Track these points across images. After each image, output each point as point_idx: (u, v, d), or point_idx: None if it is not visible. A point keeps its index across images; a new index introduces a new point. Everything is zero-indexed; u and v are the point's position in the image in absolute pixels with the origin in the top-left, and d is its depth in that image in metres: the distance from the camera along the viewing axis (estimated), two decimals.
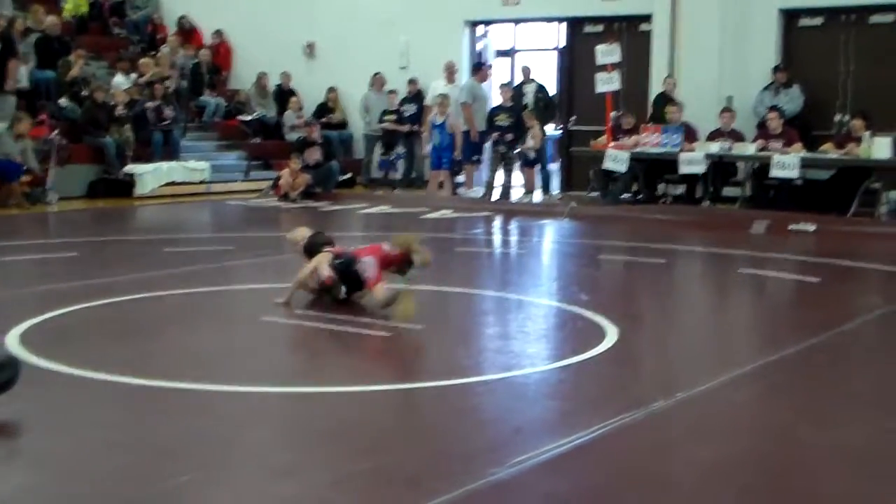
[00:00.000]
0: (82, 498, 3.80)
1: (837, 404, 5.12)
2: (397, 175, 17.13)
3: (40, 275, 7.80)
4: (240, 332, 6.91)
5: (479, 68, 16.32)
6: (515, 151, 15.05)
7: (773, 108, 13.97)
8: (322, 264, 7.10)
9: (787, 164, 12.62)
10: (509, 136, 14.85)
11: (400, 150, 17.15)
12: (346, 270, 7.07)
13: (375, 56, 17.85)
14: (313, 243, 7.42)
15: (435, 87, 16.23)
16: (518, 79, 16.94)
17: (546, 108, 16.25)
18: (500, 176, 15.33)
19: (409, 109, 16.98)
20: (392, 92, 17.25)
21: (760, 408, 5.04)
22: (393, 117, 16.88)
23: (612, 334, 6.30)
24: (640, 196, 14.67)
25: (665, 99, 14.80)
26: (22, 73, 15.65)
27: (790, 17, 15.20)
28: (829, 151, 12.96)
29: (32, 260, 8.38)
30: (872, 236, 11.41)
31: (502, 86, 15.89)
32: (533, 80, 16.39)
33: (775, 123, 13.55)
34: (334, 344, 6.36)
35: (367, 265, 6.98)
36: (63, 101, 15.98)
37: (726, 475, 4.08)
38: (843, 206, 12.62)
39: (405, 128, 16.82)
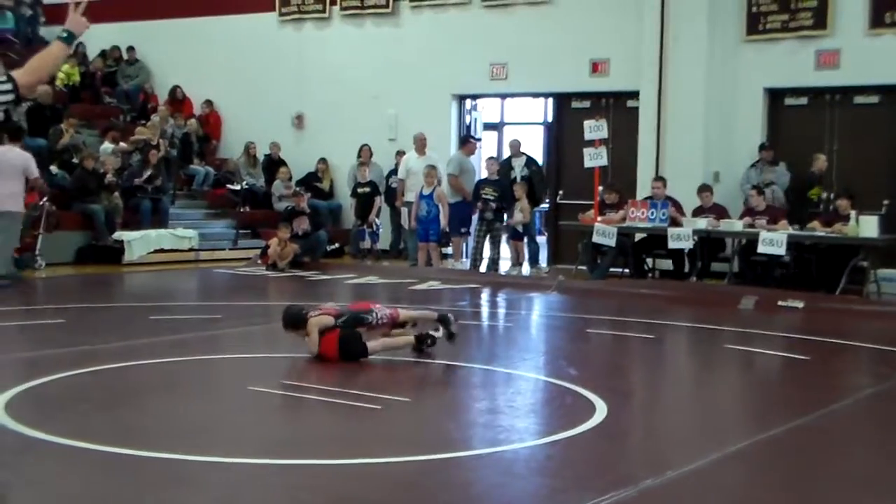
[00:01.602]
0: None
1: (828, 485, 5.08)
2: (377, 245, 17.12)
3: (27, 341, 7.75)
4: (226, 401, 6.86)
5: (467, 141, 16.44)
6: (504, 224, 15.10)
7: (755, 186, 14.11)
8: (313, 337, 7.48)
9: (774, 240, 12.70)
10: (493, 206, 14.91)
11: (377, 220, 17.12)
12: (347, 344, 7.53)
13: (364, 128, 18.00)
14: (286, 318, 7.67)
15: (406, 159, 16.31)
16: (507, 152, 17.06)
17: (540, 181, 16.28)
18: (487, 248, 15.36)
19: (396, 181, 17.04)
20: (363, 164, 17.29)
21: (751, 487, 4.99)
22: (367, 189, 16.91)
23: (601, 409, 6.27)
24: (628, 270, 14.72)
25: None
26: None
27: (775, 96, 15.42)
28: (817, 229, 13.05)
29: (19, 326, 8.32)
30: (861, 314, 11.44)
31: (489, 159, 16.00)
32: (523, 154, 16.47)
33: (756, 201, 13.69)
34: (321, 415, 6.31)
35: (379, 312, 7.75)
36: (53, 169, 16.02)
37: None
38: (831, 285, 12.67)
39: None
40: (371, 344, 7.69)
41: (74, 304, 11.16)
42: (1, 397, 6.15)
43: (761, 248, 12.82)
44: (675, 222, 13.85)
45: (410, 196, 15.84)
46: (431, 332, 7.93)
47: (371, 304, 8.01)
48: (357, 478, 4.91)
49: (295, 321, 7.66)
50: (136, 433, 5.61)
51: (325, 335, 7.55)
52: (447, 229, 15.31)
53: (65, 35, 5.30)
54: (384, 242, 17.48)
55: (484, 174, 15.69)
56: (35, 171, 12.94)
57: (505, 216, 15.14)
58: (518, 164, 16.17)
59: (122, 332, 9.16)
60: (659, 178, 14.58)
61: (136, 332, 9.11)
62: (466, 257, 16.44)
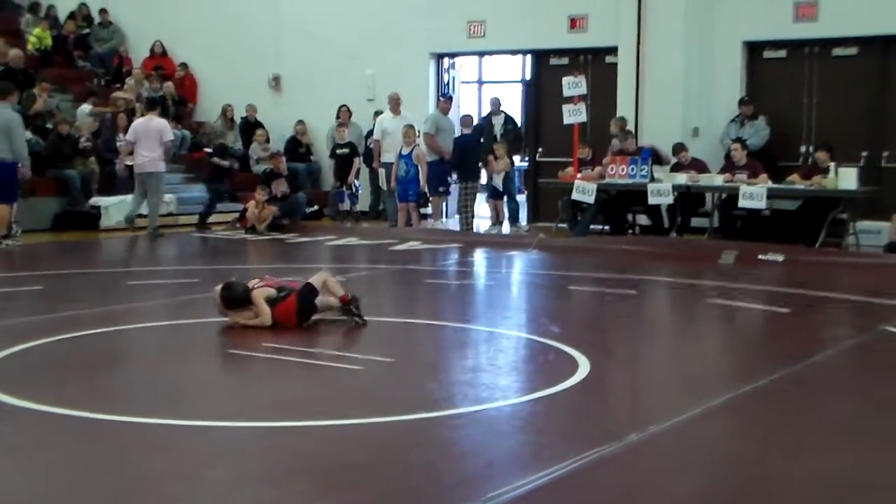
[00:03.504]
0: None
1: (810, 435, 5.10)
2: (357, 207, 17.02)
3: (5, 309, 7.69)
4: (206, 365, 6.83)
5: (441, 100, 16.35)
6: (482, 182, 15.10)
7: (737, 139, 14.08)
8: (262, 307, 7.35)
9: (754, 194, 12.70)
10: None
11: (356, 182, 17.02)
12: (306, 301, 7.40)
13: (342, 88, 17.85)
14: (233, 297, 7.43)
15: (381, 119, 16.19)
16: (486, 110, 16.98)
17: (514, 139, 16.31)
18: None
19: (373, 142, 16.90)
20: (342, 125, 17.15)
21: (734, 440, 5.01)
22: (346, 150, 16.78)
23: (583, 366, 6.27)
24: (609, 227, 14.71)
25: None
26: None
27: (754, 49, 15.37)
28: (796, 182, 13.05)
29: None
30: (841, 266, 11.47)
31: (464, 117, 15.96)
32: (502, 112, 16.43)
33: (739, 155, 13.66)
34: (303, 377, 6.29)
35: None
36: (27, 134, 15.80)
37: None
38: (811, 237, 12.70)
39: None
40: (316, 277, 7.62)
41: (52, 270, 11.06)
42: None
43: (742, 203, 12.83)
44: (660, 160, 13.83)
45: (387, 157, 15.74)
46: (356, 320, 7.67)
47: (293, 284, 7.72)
48: (339, 439, 4.88)
49: (239, 299, 7.40)
50: (116, 399, 5.59)
51: (279, 304, 7.41)
52: (426, 189, 15.24)
53: None
54: (363, 204, 17.39)
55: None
56: (169, 136, 14.69)
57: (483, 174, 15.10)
58: (497, 121, 16.15)
59: (101, 298, 9.10)
60: (626, 132, 14.57)
61: (115, 297, 9.07)
62: (446, 216, 16.41)
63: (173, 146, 15.34)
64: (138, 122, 14.94)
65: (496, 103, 16.52)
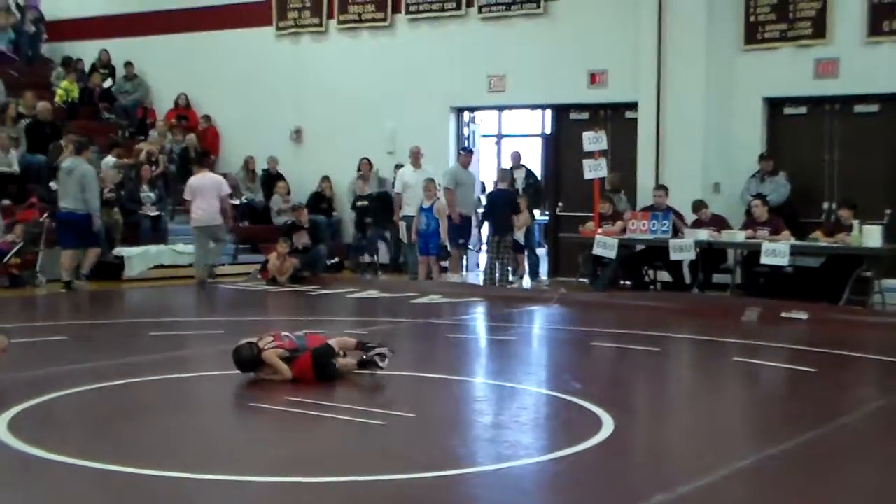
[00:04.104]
0: None
1: (837, 500, 5.02)
2: (376, 259, 17.09)
3: (28, 359, 7.71)
4: (229, 418, 6.83)
5: (461, 154, 16.41)
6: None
7: (758, 196, 14.06)
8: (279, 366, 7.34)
9: (777, 251, 12.65)
10: None
11: (371, 234, 17.13)
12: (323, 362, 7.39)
13: (363, 141, 17.97)
14: (242, 361, 7.41)
15: (402, 172, 16.28)
16: (506, 164, 17.06)
17: (535, 193, 16.35)
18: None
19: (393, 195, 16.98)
20: (362, 177, 17.30)
21: (760, 502, 4.94)
22: (365, 203, 16.89)
23: (607, 424, 6.21)
24: (630, 283, 14.67)
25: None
26: (13, 157, 15.70)
27: (774, 105, 15.40)
28: (820, 240, 13.00)
29: (21, 344, 8.28)
30: (866, 325, 11.39)
31: (501, 171, 15.97)
32: (523, 166, 16.49)
33: (759, 211, 13.64)
34: (324, 432, 6.25)
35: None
36: (53, 185, 15.96)
37: None
38: (835, 295, 12.62)
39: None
40: (336, 340, 7.64)
41: (75, 320, 11.12)
42: (4, 416, 6.11)
43: (764, 259, 12.77)
44: (677, 232, 13.80)
45: (408, 210, 15.81)
46: (376, 360, 7.68)
47: (325, 339, 7.68)
48: (361, 496, 4.85)
49: (250, 363, 7.38)
50: (138, 451, 5.57)
51: (294, 361, 7.38)
52: (446, 243, 15.27)
53: None
54: (383, 257, 17.44)
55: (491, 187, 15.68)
56: (226, 190, 15.39)
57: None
58: (519, 175, 16.20)
59: (124, 348, 9.11)
60: (661, 187, 14.56)
61: (138, 348, 9.07)
62: (466, 270, 16.42)
63: (230, 199, 15.93)
64: (193, 178, 15.35)
65: (517, 157, 16.59)
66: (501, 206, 15.02)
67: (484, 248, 17.01)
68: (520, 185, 16.12)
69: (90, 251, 14.20)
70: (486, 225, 15.71)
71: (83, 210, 13.85)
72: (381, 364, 7.64)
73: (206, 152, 16.85)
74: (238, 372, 7.49)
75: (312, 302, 13.47)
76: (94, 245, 14.26)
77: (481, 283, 15.15)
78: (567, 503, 4.82)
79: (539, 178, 17.01)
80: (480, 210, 16.45)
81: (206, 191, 14.99)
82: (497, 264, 14.91)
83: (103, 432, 6.10)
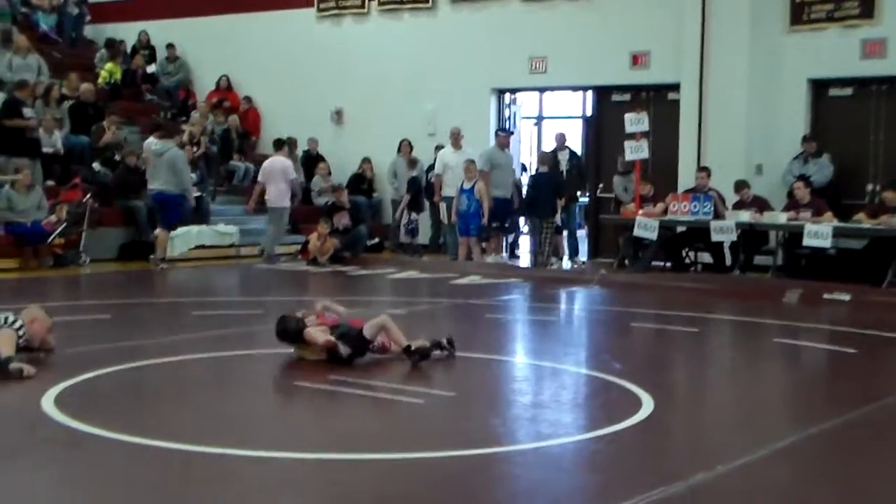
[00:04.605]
0: None
1: (881, 480, 4.99)
2: (419, 240, 17.14)
3: (74, 337, 7.82)
4: (271, 396, 6.90)
5: (498, 135, 16.35)
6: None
7: (801, 177, 13.92)
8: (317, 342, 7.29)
9: (819, 233, 12.53)
10: None
11: (413, 216, 17.21)
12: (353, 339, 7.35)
13: (403, 122, 17.99)
14: (284, 330, 7.46)
15: (442, 154, 16.29)
16: (546, 146, 17.01)
17: (578, 175, 16.27)
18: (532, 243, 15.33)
19: (434, 177, 17.00)
20: (411, 160, 17.40)
21: (802, 483, 4.93)
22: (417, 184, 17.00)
23: (647, 404, 6.21)
24: (670, 264, 14.60)
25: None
26: (57, 138, 15.90)
27: (819, 86, 15.21)
28: (863, 221, 12.86)
29: (66, 322, 8.41)
30: None
31: (542, 154, 15.94)
32: (567, 147, 16.40)
33: (801, 193, 13.50)
34: (365, 410, 6.30)
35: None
36: (96, 166, 16.18)
37: None
38: (878, 277, 12.47)
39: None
40: (371, 322, 7.48)
41: (119, 299, 11.25)
42: (50, 392, 6.21)
43: (807, 241, 12.64)
44: (717, 214, 13.71)
45: (448, 191, 15.83)
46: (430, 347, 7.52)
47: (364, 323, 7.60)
48: (400, 473, 4.89)
49: (292, 334, 7.41)
50: (180, 427, 5.65)
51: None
52: (487, 223, 15.26)
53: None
54: (424, 237, 17.48)
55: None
56: (293, 174, 16.05)
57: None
58: (563, 157, 16.13)
59: (167, 327, 9.22)
60: (703, 168, 14.45)
61: (180, 327, 9.18)
62: (505, 252, 16.41)
63: (299, 183, 16.56)
64: (267, 161, 16.23)
65: (561, 139, 16.51)
66: (546, 188, 15.00)
67: (525, 230, 17.01)
68: (563, 166, 16.07)
69: (160, 233, 14.73)
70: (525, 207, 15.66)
71: (174, 190, 14.52)
72: (446, 348, 7.57)
73: (283, 140, 16.92)
74: (279, 351, 7.55)
75: (352, 282, 13.54)
76: (171, 225, 14.83)
77: (527, 265, 15.13)
78: (606, 481, 4.83)
79: (581, 158, 16.94)
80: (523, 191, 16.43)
81: (275, 174, 15.69)
82: (541, 246, 14.92)
83: (147, 409, 6.19)
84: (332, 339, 7.28)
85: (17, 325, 7.01)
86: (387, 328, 7.52)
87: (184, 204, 14.84)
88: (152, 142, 15.04)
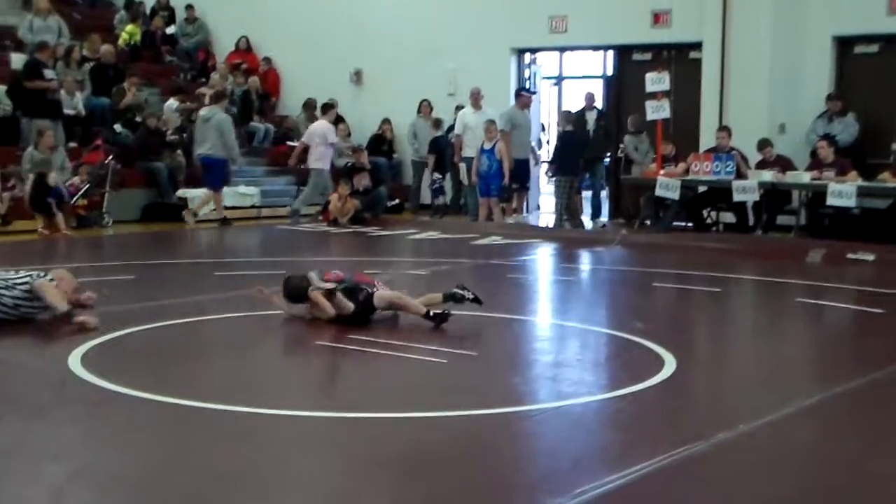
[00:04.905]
0: None
1: None
2: (446, 200, 17.13)
3: (99, 297, 7.87)
4: (293, 355, 6.94)
5: (519, 95, 16.24)
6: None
7: (825, 136, 13.80)
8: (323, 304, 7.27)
9: (843, 192, 12.43)
10: None
11: (437, 176, 17.19)
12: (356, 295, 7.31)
13: (423, 83, 17.90)
14: (289, 288, 7.46)
15: (462, 114, 16.22)
16: (567, 106, 16.89)
17: (606, 135, 16.13)
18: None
19: (454, 137, 16.94)
20: (436, 121, 17.34)
21: (827, 441, 4.92)
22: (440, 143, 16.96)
23: (669, 363, 6.20)
24: (691, 224, 14.54)
25: None
26: (79, 100, 15.93)
27: (844, 44, 15.03)
28: (888, 181, 12.75)
29: (90, 283, 8.46)
30: None
31: (564, 113, 15.83)
32: (595, 108, 16.26)
33: (825, 153, 13.38)
34: (387, 369, 6.32)
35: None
36: (117, 127, 16.22)
37: None
38: None
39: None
40: (381, 293, 7.45)
41: (143, 260, 11.31)
42: (77, 351, 6.27)
43: (830, 201, 12.56)
44: (740, 174, 13.61)
45: (468, 151, 15.78)
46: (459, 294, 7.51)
47: (376, 282, 7.61)
48: (423, 432, 4.91)
49: (296, 291, 7.42)
50: (204, 386, 5.71)
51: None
52: (508, 183, 15.22)
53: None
54: (445, 197, 17.46)
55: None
56: (332, 139, 16.18)
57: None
58: (591, 116, 16.02)
59: (190, 287, 9.27)
60: (724, 128, 14.34)
61: (203, 287, 9.22)
62: (527, 212, 16.39)
63: (337, 147, 16.61)
64: (312, 125, 16.61)
65: (590, 98, 16.38)
66: (573, 148, 14.95)
67: (549, 189, 16.97)
68: (591, 126, 15.95)
69: (214, 195, 15.20)
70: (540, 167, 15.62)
71: (220, 155, 14.98)
72: (465, 295, 7.51)
73: (329, 103, 16.92)
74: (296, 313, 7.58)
75: (373, 243, 13.56)
76: (219, 187, 15.24)
77: (552, 225, 15.11)
78: (629, 440, 4.83)
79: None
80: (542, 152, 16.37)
81: (315, 137, 16.00)
82: (561, 205, 14.90)
83: (172, 368, 6.24)
84: (328, 287, 7.25)
85: (48, 278, 7.23)
86: (400, 304, 7.45)
87: (228, 167, 15.30)
88: (172, 104, 15.10)
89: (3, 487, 4.01)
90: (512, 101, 16.68)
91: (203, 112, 15.41)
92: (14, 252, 11.70)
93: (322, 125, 16.26)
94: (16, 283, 7.17)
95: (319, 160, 15.96)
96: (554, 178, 15.52)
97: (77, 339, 6.59)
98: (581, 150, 14.92)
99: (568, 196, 14.89)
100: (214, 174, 15.12)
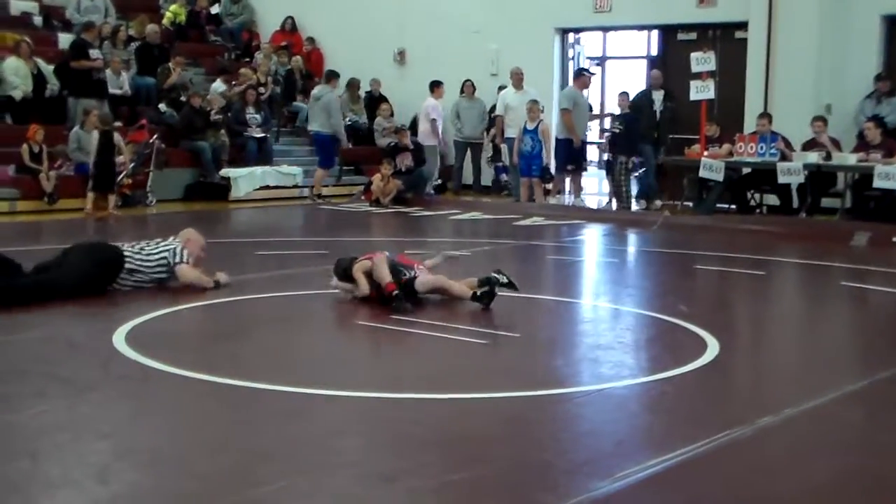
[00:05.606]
0: (193, 498, 3.84)
1: None
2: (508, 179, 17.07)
3: None
4: (336, 335, 6.98)
5: (580, 75, 16.06)
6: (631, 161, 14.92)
7: (872, 118, 13.59)
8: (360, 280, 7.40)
9: (890, 174, 12.26)
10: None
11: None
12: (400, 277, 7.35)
13: (466, 63, 17.84)
14: (337, 268, 7.62)
15: (504, 94, 16.13)
16: (609, 87, 16.74)
17: (671, 117, 15.82)
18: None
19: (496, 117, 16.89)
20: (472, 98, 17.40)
21: (872, 426, 4.88)
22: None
23: (712, 347, 6.17)
24: (735, 206, 14.41)
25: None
26: (124, 80, 16.07)
27: (893, 23, 14.78)
28: None
29: None
30: None
31: (622, 94, 15.65)
32: (662, 88, 15.96)
33: (872, 134, 13.19)
34: (429, 350, 6.33)
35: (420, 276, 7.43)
36: (162, 107, 16.35)
37: (839, 495, 3.96)
38: None
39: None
40: (423, 278, 7.44)
41: None
42: (121, 329, 6.35)
43: (877, 183, 12.39)
44: (784, 157, 13.46)
45: (510, 132, 15.72)
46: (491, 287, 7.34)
47: (417, 265, 7.58)
48: (465, 412, 4.93)
49: (342, 270, 7.53)
50: (247, 365, 5.75)
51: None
52: (548, 164, 15.15)
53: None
54: (486, 178, 17.43)
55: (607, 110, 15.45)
56: (433, 114, 16.73)
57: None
58: (658, 97, 15.75)
59: (232, 267, 9.30)
60: (764, 115, 14.13)
61: (246, 267, 9.29)
62: (570, 193, 16.31)
63: (438, 124, 16.94)
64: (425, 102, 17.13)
65: (658, 77, 16.05)
66: (636, 129, 14.85)
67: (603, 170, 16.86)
68: (657, 107, 15.71)
69: (318, 171, 16.07)
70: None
71: (327, 132, 15.89)
72: (500, 279, 7.42)
73: (436, 82, 17.04)
74: (340, 292, 7.62)
75: (415, 223, 13.57)
76: (327, 165, 16.19)
77: (591, 206, 15.02)
78: (672, 423, 4.82)
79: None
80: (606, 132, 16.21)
81: (423, 113, 16.76)
82: (617, 186, 14.82)
83: (217, 347, 6.30)
84: (371, 263, 7.32)
85: (186, 254, 7.77)
86: (444, 289, 7.45)
87: (336, 144, 16.11)
88: (218, 86, 15.18)
89: (50, 467, 4.07)
90: (556, 82, 16.57)
91: (315, 91, 16.40)
92: (62, 231, 11.84)
93: (427, 101, 16.81)
94: (151, 256, 7.71)
95: (426, 135, 16.57)
96: (613, 159, 15.28)
97: (121, 317, 6.67)
98: (638, 132, 14.78)
99: (625, 177, 14.79)
100: (323, 151, 16.07)
